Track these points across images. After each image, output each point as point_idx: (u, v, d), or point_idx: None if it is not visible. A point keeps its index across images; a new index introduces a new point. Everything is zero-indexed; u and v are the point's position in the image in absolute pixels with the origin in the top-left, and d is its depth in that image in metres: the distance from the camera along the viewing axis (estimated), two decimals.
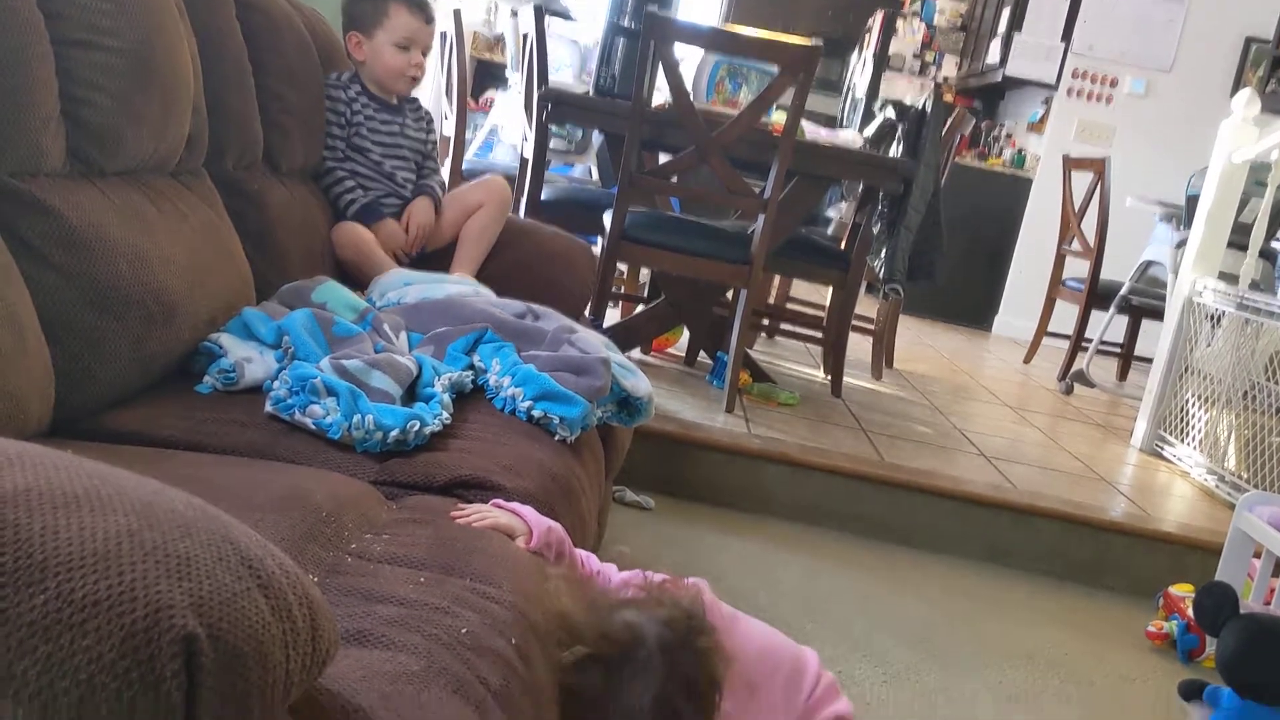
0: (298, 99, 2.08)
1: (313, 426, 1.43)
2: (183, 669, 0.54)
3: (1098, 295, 4.95)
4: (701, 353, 3.75)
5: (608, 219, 3.12)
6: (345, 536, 1.14)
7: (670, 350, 3.86)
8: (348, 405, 1.45)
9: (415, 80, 2.33)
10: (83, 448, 1.24)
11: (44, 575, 0.55)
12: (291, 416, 1.44)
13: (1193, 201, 4.15)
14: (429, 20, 2.30)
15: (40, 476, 0.62)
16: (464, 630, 0.97)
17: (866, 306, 4.37)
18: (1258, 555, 2.41)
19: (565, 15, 7.48)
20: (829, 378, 3.74)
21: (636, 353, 3.61)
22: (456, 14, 4.30)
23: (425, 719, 0.81)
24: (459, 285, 2.10)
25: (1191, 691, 1.71)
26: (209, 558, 0.61)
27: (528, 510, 1.31)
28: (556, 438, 1.64)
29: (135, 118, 1.51)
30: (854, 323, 3.86)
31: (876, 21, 8.19)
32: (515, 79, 5.08)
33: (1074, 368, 4.93)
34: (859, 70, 8.42)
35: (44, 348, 1.27)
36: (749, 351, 3.67)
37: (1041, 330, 5.44)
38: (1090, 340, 4.93)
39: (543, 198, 3.59)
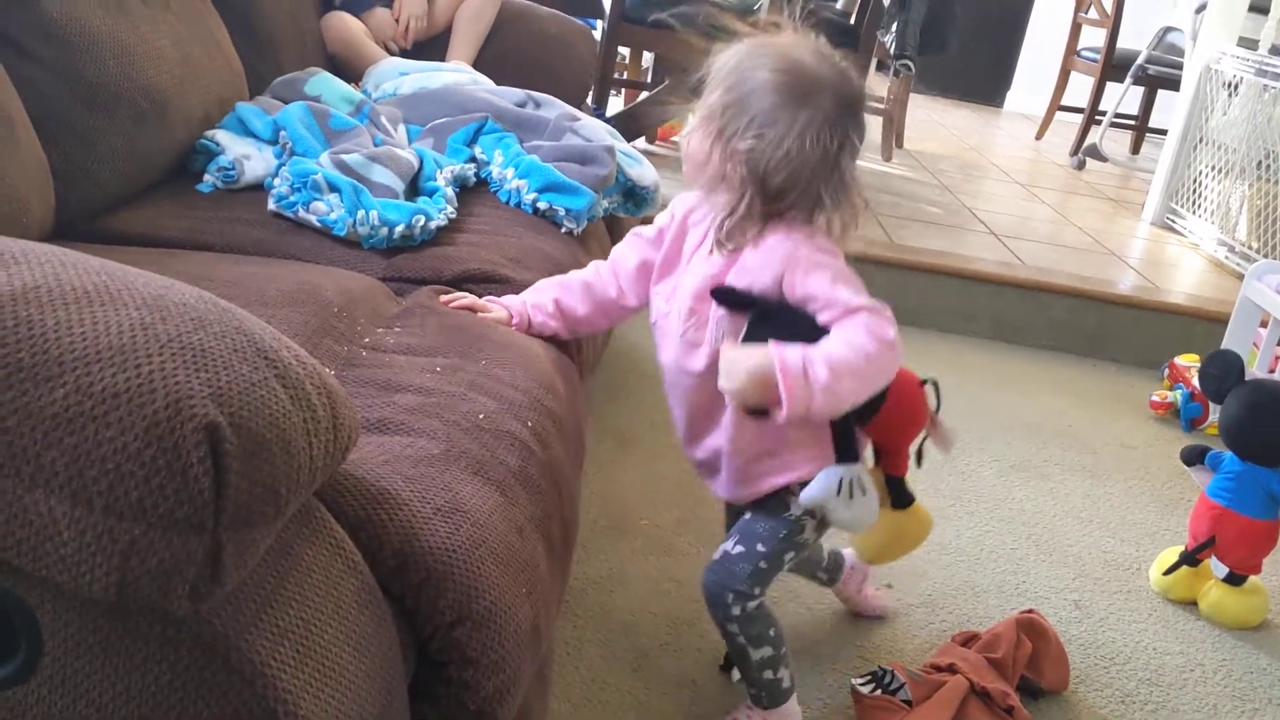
0: None
1: (317, 224, 1.42)
2: (208, 455, 0.55)
3: (1114, 66, 4.80)
4: None
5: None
6: (358, 330, 1.15)
7: (676, 139, 3.78)
8: (351, 201, 1.43)
9: None
10: (87, 249, 1.23)
11: (61, 370, 0.55)
12: (295, 214, 1.43)
13: None
14: None
15: (48, 273, 0.61)
16: (481, 415, 0.99)
17: (875, 84, 4.25)
18: (1264, 325, 2.42)
19: None
20: None
21: (641, 142, 3.54)
22: None
23: (448, 499, 0.84)
24: (456, 74, 2.04)
25: (1194, 456, 1.75)
26: (224, 349, 0.61)
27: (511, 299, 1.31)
28: (563, 230, 1.62)
29: None
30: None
31: None
32: None
33: (1086, 142, 4.83)
34: None
35: (38, 146, 1.25)
36: None
37: (1054, 104, 5.31)
38: (1104, 113, 4.82)
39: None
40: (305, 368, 0.67)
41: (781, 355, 1.05)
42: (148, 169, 1.47)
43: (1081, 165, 4.78)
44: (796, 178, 1.08)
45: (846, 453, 1.14)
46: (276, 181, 1.48)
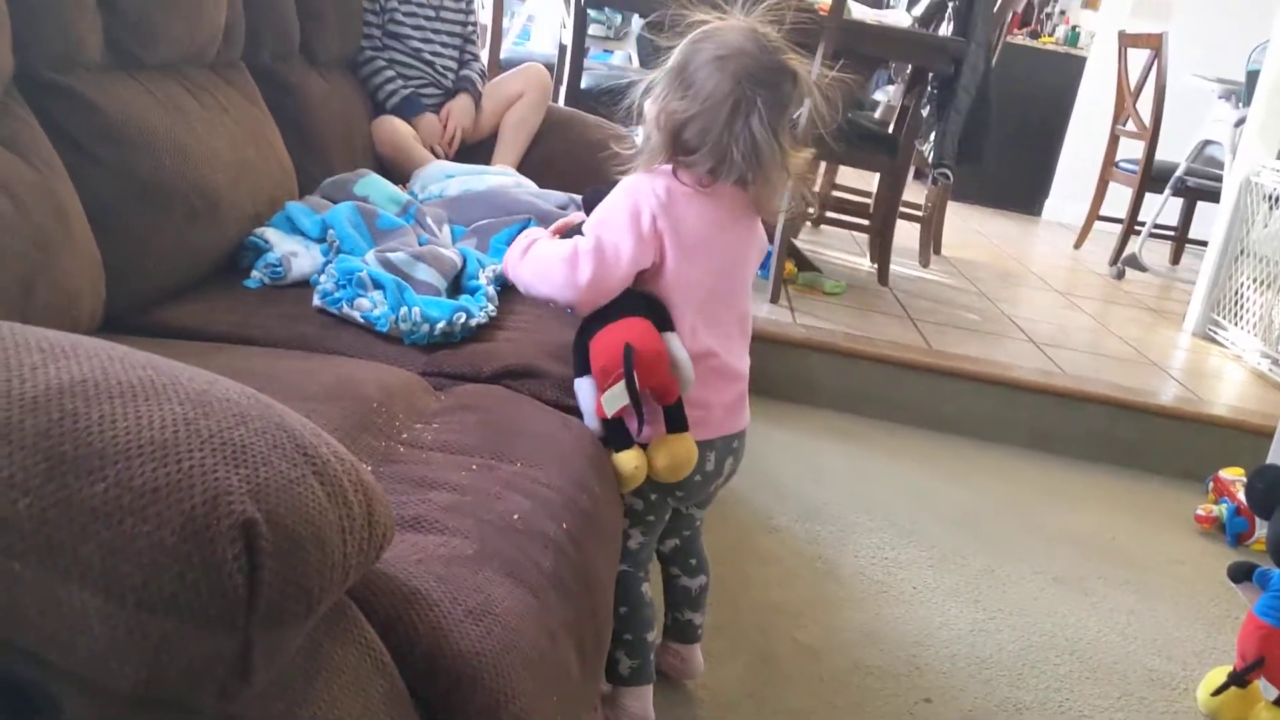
0: None
1: (360, 319, 1.43)
2: (243, 553, 0.55)
3: (1152, 177, 4.83)
4: None
5: None
6: (396, 426, 1.15)
7: None
8: (394, 298, 1.45)
9: None
10: (135, 343, 1.25)
11: (103, 463, 0.56)
12: (339, 310, 1.45)
13: (1253, 77, 4.00)
14: None
15: (95, 367, 0.62)
16: (515, 515, 0.98)
17: (914, 193, 4.29)
18: None
19: None
20: (875, 266, 3.70)
21: None
22: None
23: (480, 600, 0.83)
24: (500, 176, 2.08)
25: (1241, 573, 1.70)
26: (264, 444, 0.61)
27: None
28: None
29: (169, 6, 1.49)
30: (901, 209, 3.79)
31: None
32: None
33: (1126, 251, 4.83)
34: None
35: (92, 241, 1.28)
36: (794, 240, 3.63)
37: (1093, 214, 5.33)
38: (1143, 224, 4.82)
39: (582, 85, 3.52)
40: (343, 464, 0.67)
41: (532, 231, 1.41)
42: (198, 264, 1.50)
43: (1121, 275, 4.77)
44: (706, 133, 1.26)
45: (575, 362, 1.32)
46: (322, 278, 1.51)
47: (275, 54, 1.87)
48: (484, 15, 4.31)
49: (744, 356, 1.40)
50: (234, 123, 1.64)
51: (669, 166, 1.31)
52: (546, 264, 1.32)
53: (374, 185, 1.84)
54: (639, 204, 1.29)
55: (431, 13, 2.30)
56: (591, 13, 4.36)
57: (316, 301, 1.47)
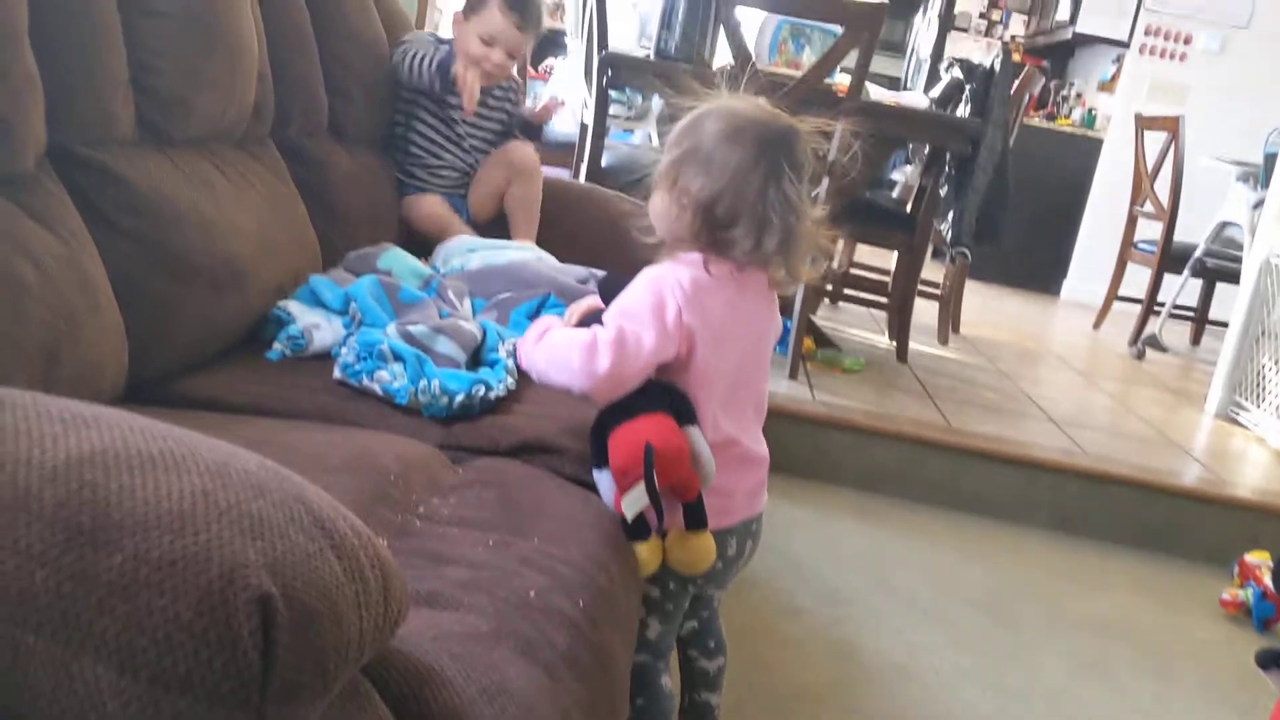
0: (361, 65, 2.08)
1: (380, 391, 1.44)
2: (259, 628, 0.55)
3: (1171, 258, 4.83)
4: None
5: None
6: (413, 499, 1.15)
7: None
8: (414, 370, 1.45)
9: (487, 74, 2.23)
10: (157, 414, 1.25)
11: (120, 535, 0.56)
12: (359, 382, 1.45)
13: (1271, 160, 4.02)
14: (521, 26, 2.21)
15: (116, 438, 0.62)
16: (531, 592, 0.97)
17: (932, 271, 4.30)
18: None
19: None
20: (894, 343, 3.70)
21: None
22: None
23: (495, 680, 0.82)
24: (521, 251, 2.10)
25: (1269, 659, 1.67)
26: (282, 517, 0.61)
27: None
28: None
29: (201, 85, 1.52)
30: (920, 287, 3.80)
31: None
32: (575, 45, 5.05)
33: (1146, 332, 4.82)
34: (923, 31, 8.27)
35: (117, 313, 1.29)
36: (812, 317, 3.64)
37: (1112, 294, 5.32)
38: (1163, 304, 4.82)
39: (604, 164, 3.57)
40: (360, 539, 0.66)
41: (546, 319, 1.35)
42: (220, 336, 1.51)
43: (1141, 355, 4.75)
44: (739, 203, 1.24)
45: (594, 453, 1.27)
46: (344, 350, 1.51)
47: (303, 130, 1.90)
48: None
49: (761, 440, 1.38)
50: (260, 197, 1.66)
51: (697, 256, 1.27)
52: (563, 351, 1.27)
53: (397, 259, 1.86)
54: (664, 296, 1.25)
55: (460, 131, 2.31)
56: (613, 93, 4.43)
57: (337, 373, 1.48)
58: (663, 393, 1.26)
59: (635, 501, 1.20)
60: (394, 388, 1.44)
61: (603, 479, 1.28)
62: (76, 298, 1.19)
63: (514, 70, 2.34)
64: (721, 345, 1.28)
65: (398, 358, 1.48)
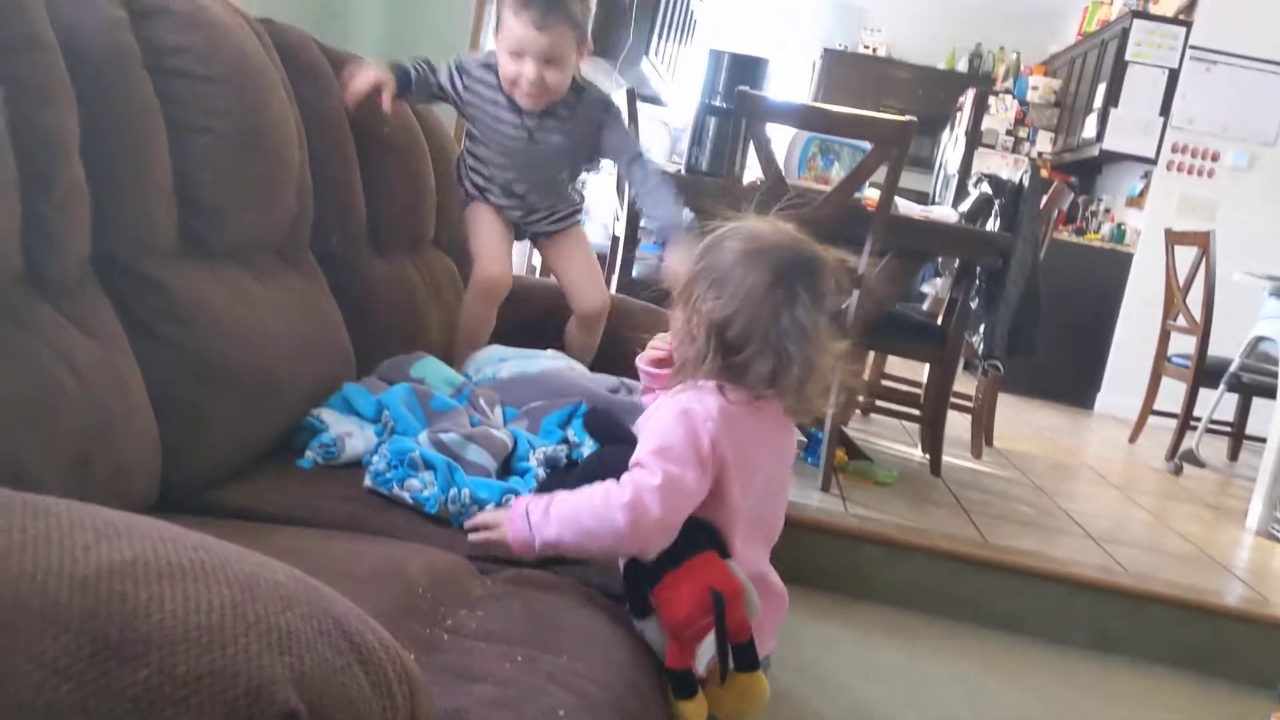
0: (401, 179, 2.12)
1: (410, 500, 1.43)
2: None
3: (1205, 372, 4.79)
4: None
5: None
6: (441, 612, 1.13)
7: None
8: (444, 479, 1.45)
9: (529, 95, 2.04)
10: (189, 521, 1.25)
11: (147, 649, 0.55)
12: (390, 490, 1.45)
13: None
14: (540, 24, 1.94)
15: (147, 547, 0.62)
16: (560, 711, 0.95)
17: (964, 384, 4.29)
18: None
19: (656, 100, 7.59)
20: (927, 456, 3.66)
21: None
22: None
23: None
24: (553, 361, 2.11)
25: None
26: (310, 631, 0.60)
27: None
28: None
29: (243, 197, 1.55)
30: (952, 400, 3.78)
31: (968, 99, 8.18)
32: (606, 161, 5.16)
33: (1182, 447, 4.75)
34: (951, 147, 8.40)
35: (152, 420, 1.30)
36: (844, 428, 3.62)
37: (1147, 408, 5.27)
38: (1199, 419, 4.76)
39: (634, 275, 3.60)
40: (388, 652, 0.65)
41: (523, 498, 1.23)
42: (253, 444, 1.52)
43: (1178, 470, 4.68)
44: (751, 327, 1.20)
45: (632, 605, 1.20)
46: (375, 458, 1.51)
47: (341, 240, 1.94)
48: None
49: (772, 568, 1.33)
50: (296, 305, 1.68)
51: (714, 383, 1.23)
52: (598, 513, 1.16)
53: (430, 367, 1.87)
54: (697, 428, 1.19)
55: (519, 131, 2.12)
56: None
57: (368, 482, 1.47)
58: (698, 529, 1.19)
59: (706, 654, 1.13)
60: (424, 496, 1.43)
61: (649, 628, 1.20)
62: (113, 403, 1.20)
63: (565, 81, 2.03)
64: (748, 475, 1.23)
65: (429, 465, 1.48)
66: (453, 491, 1.43)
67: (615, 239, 3.84)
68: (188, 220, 1.45)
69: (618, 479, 1.19)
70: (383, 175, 2.06)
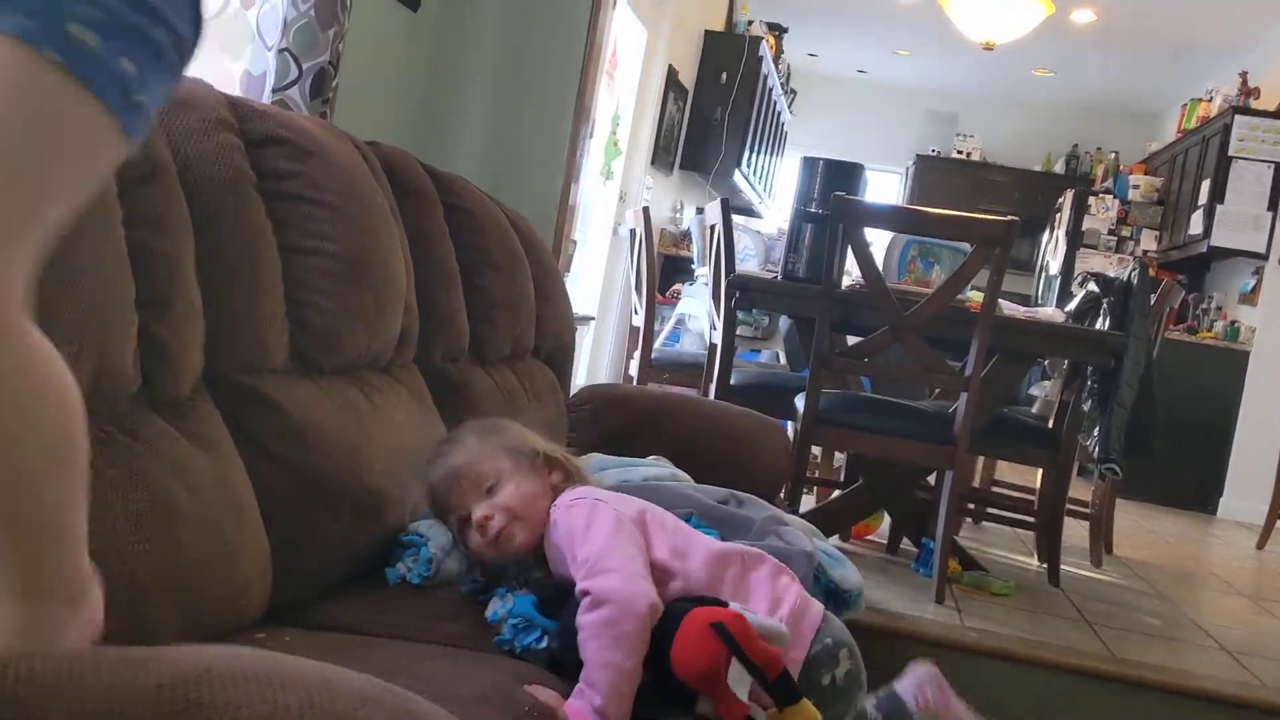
0: (503, 292, 2.15)
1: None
2: None
3: None
4: (905, 539, 3.59)
5: (799, 402, 3.07)
6: None
7: (871, 537, 3.72)
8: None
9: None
10: (293, 636, 1.24)
11: None
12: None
13: None
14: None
15: (220, 656, 0.63)
16: None
17: (1078, 489, 4.13)
18: None
19: (750, 211, 7.67)
20: (1044, 565, 3.52)
21: (835, 540, 3.49)
22: (645, 212, 4.46)
23: None
24: (655, 469, 2.08)
25: None
26: None
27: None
28: None
29: (352, 318, 1.57)
30: (1068, 506, 3.64)
31: (1067, 200, 8.10)
32: (701, 272, 5.19)
33: None
34: (1051, 249, 8.29)
35: (263, 535, 1.30)
36: (956, 538, 3.50)
37: (1274, 512, 5.02)
38: None
39: (732, 382, 3.58)
40: None
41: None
42: (357, 559, 1.51)
43: None
44: None
45: (680, 703, 1.19)
46: (501, 624, 1.40)
47: (446, 355, 1.96)
48: (637, 319, 4.49)
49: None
50: (402, 420, 1.69)
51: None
52: (604, 637, 1.20)
53: None
54: (598, 515, 1.36)
55: None
56: (740, 314, 4.50)
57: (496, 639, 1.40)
58: (682, 604, 1.24)
59: (740, 681, 1.13)
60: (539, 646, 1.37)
61: (702, 706, 1.20)
62: (226, 519, 1.21)
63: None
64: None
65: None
66: None
67: (712, 347, 3.83)
68: (299, 341, 1.48)
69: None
70: (485, 289, 2.09)
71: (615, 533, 1.30)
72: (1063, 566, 3.47)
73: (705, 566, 1.37)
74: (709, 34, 7.01)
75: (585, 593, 1.24)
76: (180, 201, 1.26)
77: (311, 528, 1.40)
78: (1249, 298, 6.50)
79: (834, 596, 1.77)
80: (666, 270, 6.84)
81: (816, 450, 4.16)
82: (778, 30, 7.89)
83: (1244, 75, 6.83)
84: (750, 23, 7.34)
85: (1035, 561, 3.76)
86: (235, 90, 1.98)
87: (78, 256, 1.01)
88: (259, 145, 1.47)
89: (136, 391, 1.15)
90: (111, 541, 1.03)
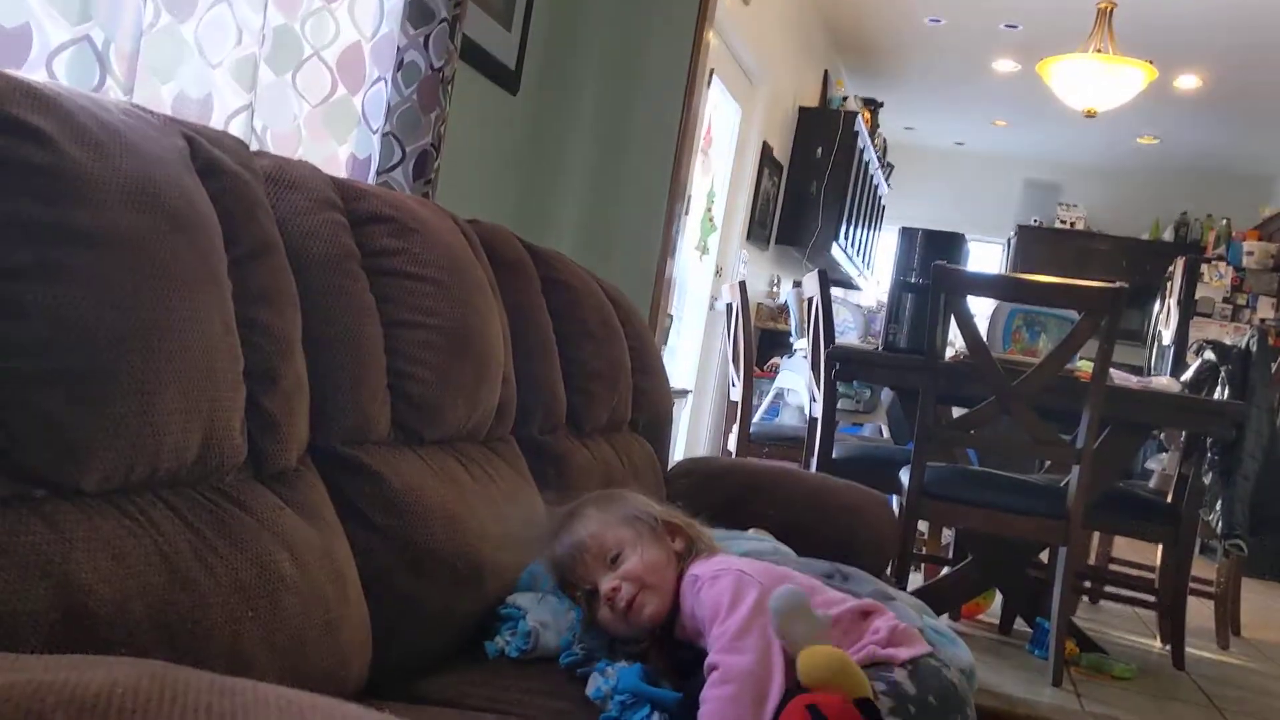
0: (600, 365, 2.15)
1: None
2: None
3: None
4: (1018, 619, 3.46)
5: (904, 476, 3.00)
6: None
7: (982, 616, 3.59)
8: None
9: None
10: (396, 710, 1.23)
11: None
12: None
13: None
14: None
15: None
16: None
17: (1201, 567, 3.95)
18: None
19: (848, 283, 7.62)
20: (1167, 647, 3.35)
21: (945, 619, 3.37)
22: (741, 285, 4.45)
23: None
24: (757, 543, 2.04)
25: None
26: None
27: None
28: None
29: (453, 390, 1.59)
30: (1191, 584, 3.47)
31: (1178, 268, 7.88)
32: (799, 345, 5.15)
33: None
34: (1164, 318, 8.05)
35: (364, 606, 1.30)
36: (1072, 618, 3.36)
37: None
38: None
39: (834, 456, 3.53)
40: None
41: None
42: (455, 631, 1.50)
43: None
44: None
45: None
46: (603, 690, 1.38)
47: (543, 428, 1.96)
48: (735, 393, 4.46)
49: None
50: (500, 492, 1.69)
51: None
52: (743, 695, 1.21)
53: None
54: (740, 585, 1.34)
55: None
56: (840, 386, 4.45)
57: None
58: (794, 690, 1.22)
59: None
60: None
61: None
62: (329, 589, 1.21)
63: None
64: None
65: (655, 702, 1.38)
66: None
67: (813, 420, 3.78)
68: (400, 413, 1.49)
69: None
70: (582, 362, 2.09)
71: (758, 614, 1.27)
72: (1187, 649, 3.30)
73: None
74: (803, 110, 7.04)
75: (714, 667, 1.23)
76: (288, 277, 1.28)
77: (411, 598, 1.40)
78: None
79: None
80: (764, 344, 6.81)
81: (923, 526, 4.06)
82: (873, 105, 7.90)
83: None
84: (845, 98, 7.36)
85: (1157, 643, 3.58)
86: (341, 173, 2.04)
87: (189, 330, 1.03)
88: (364, 223, 1.51)
89: (244, 462, 1.16)
90: (220, 611, 1.03)
